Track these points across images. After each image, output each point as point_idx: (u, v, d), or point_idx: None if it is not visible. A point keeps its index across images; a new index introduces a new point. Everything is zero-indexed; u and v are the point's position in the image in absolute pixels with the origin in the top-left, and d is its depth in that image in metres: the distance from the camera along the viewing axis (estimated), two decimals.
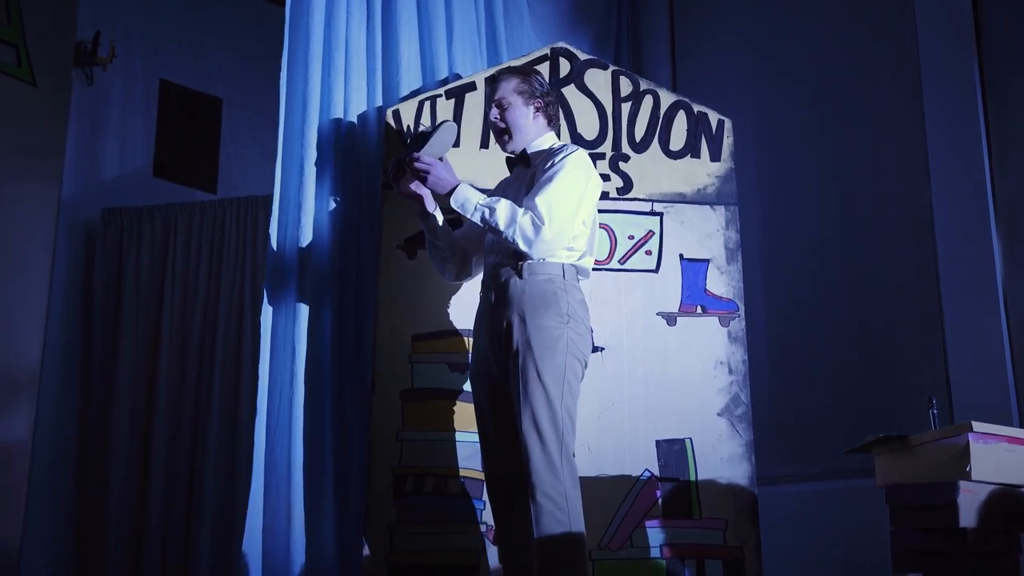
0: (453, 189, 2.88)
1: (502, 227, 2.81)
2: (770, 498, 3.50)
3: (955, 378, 3.64)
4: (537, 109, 3.04)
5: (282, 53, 3.56)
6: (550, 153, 2.98)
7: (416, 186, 3.00)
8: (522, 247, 2.82)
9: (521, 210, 2.83)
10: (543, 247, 2.82)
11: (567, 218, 2.85)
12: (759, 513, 3.25)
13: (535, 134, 3.04)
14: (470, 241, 3.13)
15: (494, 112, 3.03)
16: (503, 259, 2.91)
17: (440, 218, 3.08)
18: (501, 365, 2.84)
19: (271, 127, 3.59)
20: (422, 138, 2.93)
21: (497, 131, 3.05)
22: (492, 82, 3.08)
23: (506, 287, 2.85)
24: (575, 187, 2.88)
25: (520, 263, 2.86)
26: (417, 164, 2.91)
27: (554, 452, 2.71)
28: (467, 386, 3.14)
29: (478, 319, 2.98)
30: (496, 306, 2.87)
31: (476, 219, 2.86)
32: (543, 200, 2.82)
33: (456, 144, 3.10)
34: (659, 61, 5.03)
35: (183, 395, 4.92)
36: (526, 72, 3.11)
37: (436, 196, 3.01)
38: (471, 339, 3.06)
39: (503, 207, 2.83)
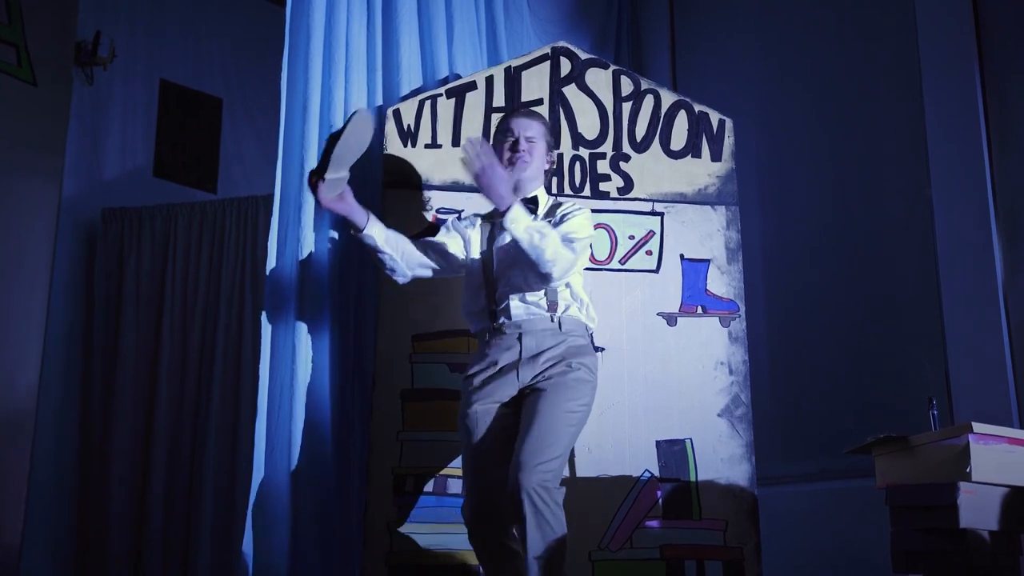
0: (508, 206, 2.83)
1: (544, 251, 2.82)
2: (770, 499, 3.50)
3: (955, 378, 3.64)
4: (550, 163, 3.13)
5: (282, 53, 3.56)
6: (556, 206, 3.06)
7: (335, 202, 2.91)
8: (545, 271, 2.86)
9: (562, 245, 2.87)
10: (561, 277, 2.90)
11: (580, 264, 2.98)
12: (759, 514, 3.25)
13: (538, 184, 3.09)
14: (443, 258, 3.09)
15: (524, 144, 3.02)
16: (539, 312, 2.93)
17: (380, 232, 2.99)
18: (525, 380, 2.89)
19: (271, 127, 3.59)
20: (334, 137, 2.82)
21: (517, 161, 3.01)
22: (524, 115, 3.10)
23: (544, 337, 2.91)
24: (587, 239, 3.00)
25: (554, 314, 2.92)
26: (476, 158, 2.81)
27: (565, 459, 2.79)
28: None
29: (496, 355, 2.93)
30: (535, 350, 2.90)
31: (524, 240, 2.82)
32: (575, 235, 2.91)
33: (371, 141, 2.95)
34: (659, 60, 5.03)
35: (184, 394, 4.93)
36: (551, 126, 3.21)
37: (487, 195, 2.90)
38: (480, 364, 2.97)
39: (554, 239, 2.85)
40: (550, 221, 2.98)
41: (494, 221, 3.04)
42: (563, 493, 2.74)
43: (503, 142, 3.05)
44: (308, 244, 3.44)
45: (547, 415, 2.79)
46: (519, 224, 2.82)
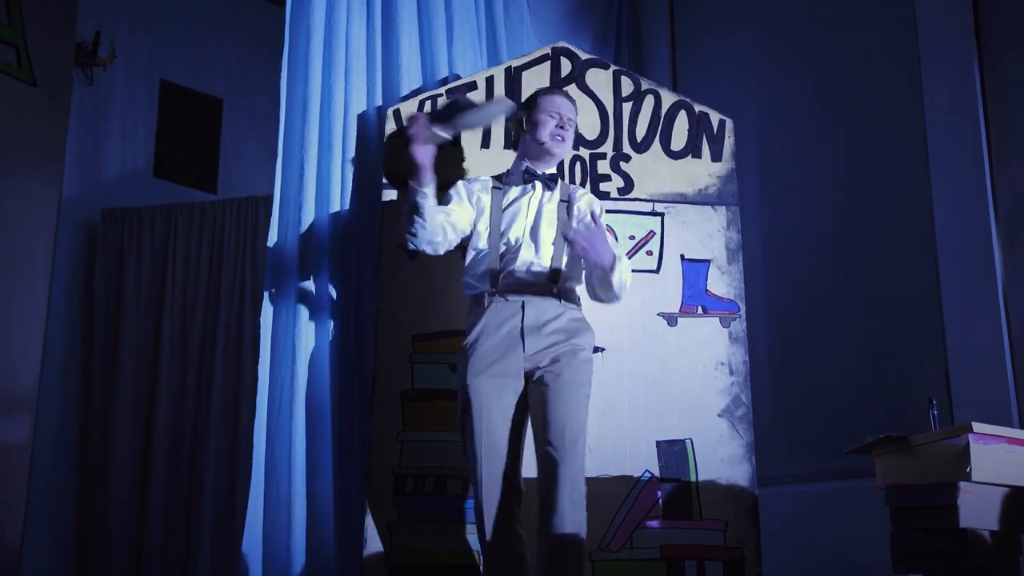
0: (614, 257, 2.95)
1: (627, 283, 3.03)
2: (770, 499, 3.50)
3: (955, 378, 3.64)
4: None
5: (282, 53, 3.57)
6: (570, 189, 3.17)
7: (423, 148, 2.94)
8: (619, 298, 3.03)
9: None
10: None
11: None
12: (759, 514, 3.25)
13: (555, 162, 3.17)
14: (454, 230, 3.09)
15: (567, 126, 3.11)
16: (542, 282, 2.99)
17: (431, 200, 2.98)
18: (535, 366, 2.92)
19: (271, 127, 3.59)
20: (464, 103, 2.89)
21: (565, 140, 3.11)
22: (567, 97, 3.16)
23: (546, 308, 2.96)
24: None
25: (555, 285, 2.99)
26: (582, 239, 2.88)
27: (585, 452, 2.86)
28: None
29: (498, 322, 2.95)
30: (537, 321, 2.94)
31: (616, 282, 2.96)
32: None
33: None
34: (660, 61, 5.03)
35: (184, 395, 4.93)
36: None
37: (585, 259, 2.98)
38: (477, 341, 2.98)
39: (628, 265, 3.04)
40: (568, 204, 3.09)
41: (504, 187, 3.11)
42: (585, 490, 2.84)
43: (549, 120, 3.08)
44: (307, 244, 3.44)
45: (572, 405, 2.86)
46: (619, 272, 2.96)
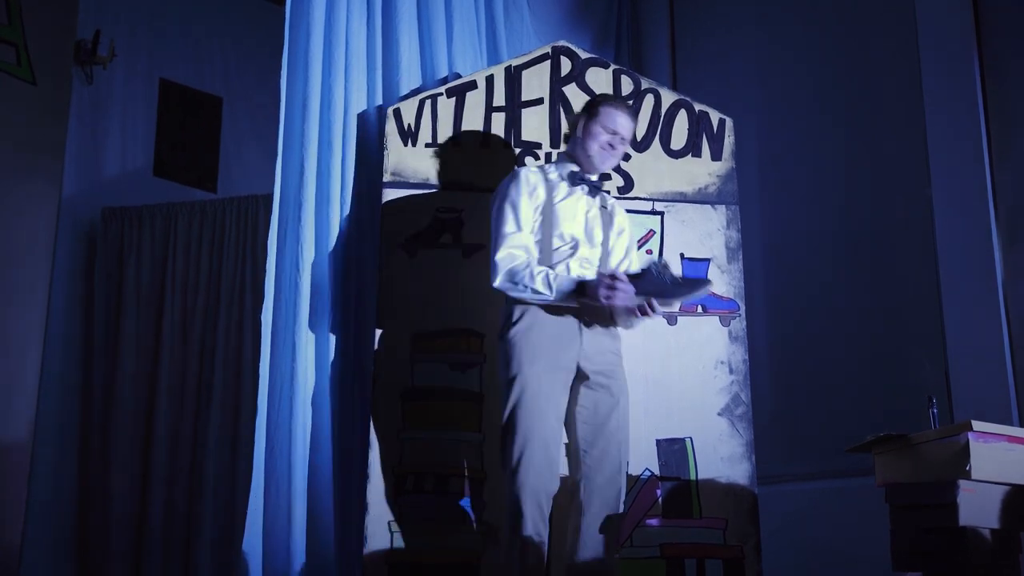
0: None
1: None
2: (770, 497, 3.50)
3: (955, 378, 3.64)
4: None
5: (282, 53, 3.57)
6: (610, 200, 3.21)
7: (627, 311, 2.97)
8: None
9: None
10: None
11: None
12: (759, 512, 3.25)
13: None
14: None
15: (620, 145, 3.09)
16: (586, 270, 3.04)
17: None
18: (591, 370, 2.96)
19: (271, 127, 3.59)
20: (684, 288, 2.95)
21: (612, 157, 3.11)
22: (631, 117, 3.12)
23: (601, 307, 2.95)
24: None
25: None
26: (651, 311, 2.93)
27: None
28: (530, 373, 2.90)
29: (552, 312, 2.93)
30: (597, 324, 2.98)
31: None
32: None
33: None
34: (660, 60, 5.04)
35: (184, 394, 4.93)
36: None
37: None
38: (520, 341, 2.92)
39: None
40: (610, 214, 3.12)
41: (555, 183, 3.08)
42: None
43: (602, 134, 3.06)
44: (308, 244, 3.44)
45: (627, 421, 2.96)
46: None
